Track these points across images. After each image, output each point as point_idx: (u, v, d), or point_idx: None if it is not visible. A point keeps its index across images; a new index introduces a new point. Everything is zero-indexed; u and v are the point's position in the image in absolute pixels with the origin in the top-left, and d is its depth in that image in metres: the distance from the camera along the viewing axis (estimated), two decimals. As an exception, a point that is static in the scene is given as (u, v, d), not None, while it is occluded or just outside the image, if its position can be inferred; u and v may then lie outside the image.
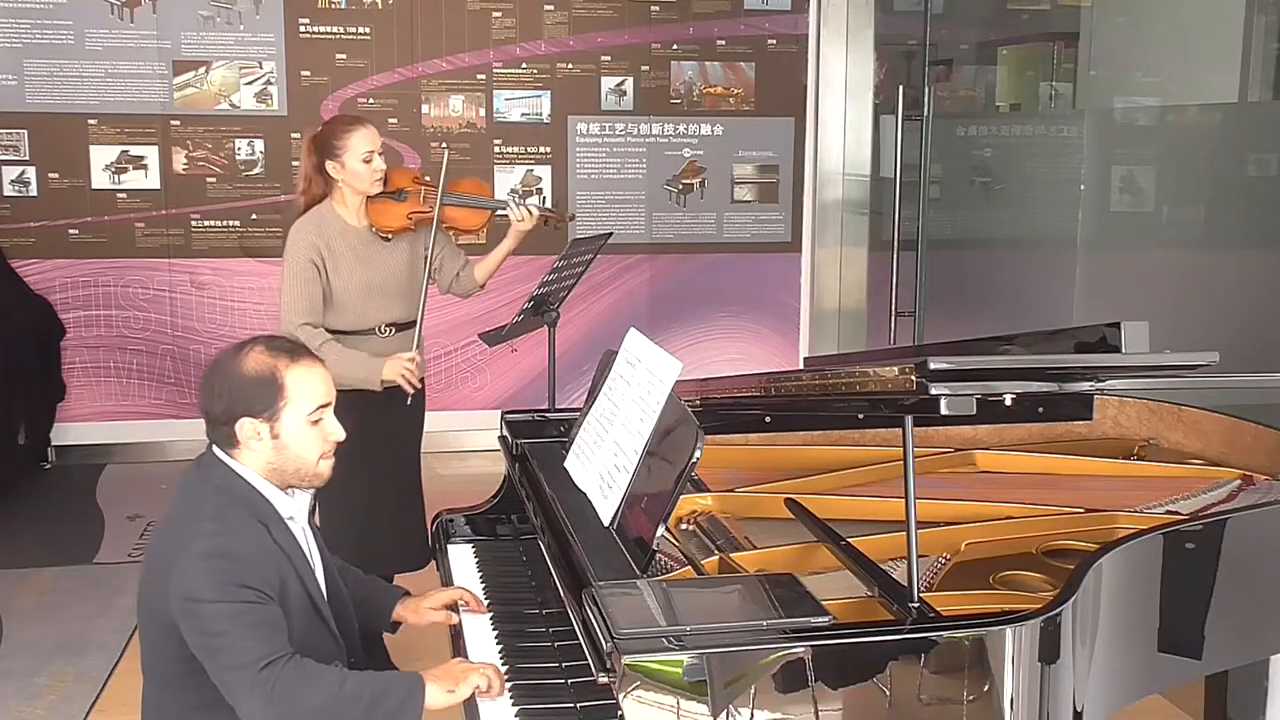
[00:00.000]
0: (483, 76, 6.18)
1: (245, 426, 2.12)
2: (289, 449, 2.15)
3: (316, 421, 2.16)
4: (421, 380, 3.57)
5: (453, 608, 2.42)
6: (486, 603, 2.47)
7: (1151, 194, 4.80)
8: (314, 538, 2.29)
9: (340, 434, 2.21)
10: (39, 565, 4.66)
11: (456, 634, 2.39)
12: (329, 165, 3.40)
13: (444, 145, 4.03)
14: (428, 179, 3.61)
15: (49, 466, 5.94)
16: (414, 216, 3.51)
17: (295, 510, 2.22)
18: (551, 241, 4.65)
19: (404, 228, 3.51)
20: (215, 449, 2.18)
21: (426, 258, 3.53)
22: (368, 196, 3.45)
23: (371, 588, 2.50)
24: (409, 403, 3.43)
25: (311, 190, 3.45)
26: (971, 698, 1.79)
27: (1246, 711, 2.64)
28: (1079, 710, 1.93)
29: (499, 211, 3.69)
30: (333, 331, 3.39)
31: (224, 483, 2.15)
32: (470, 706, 2.06)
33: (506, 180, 6.23)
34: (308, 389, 2.15)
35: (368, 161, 3.38)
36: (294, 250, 3.38)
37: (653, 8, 6.30)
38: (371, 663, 2.32)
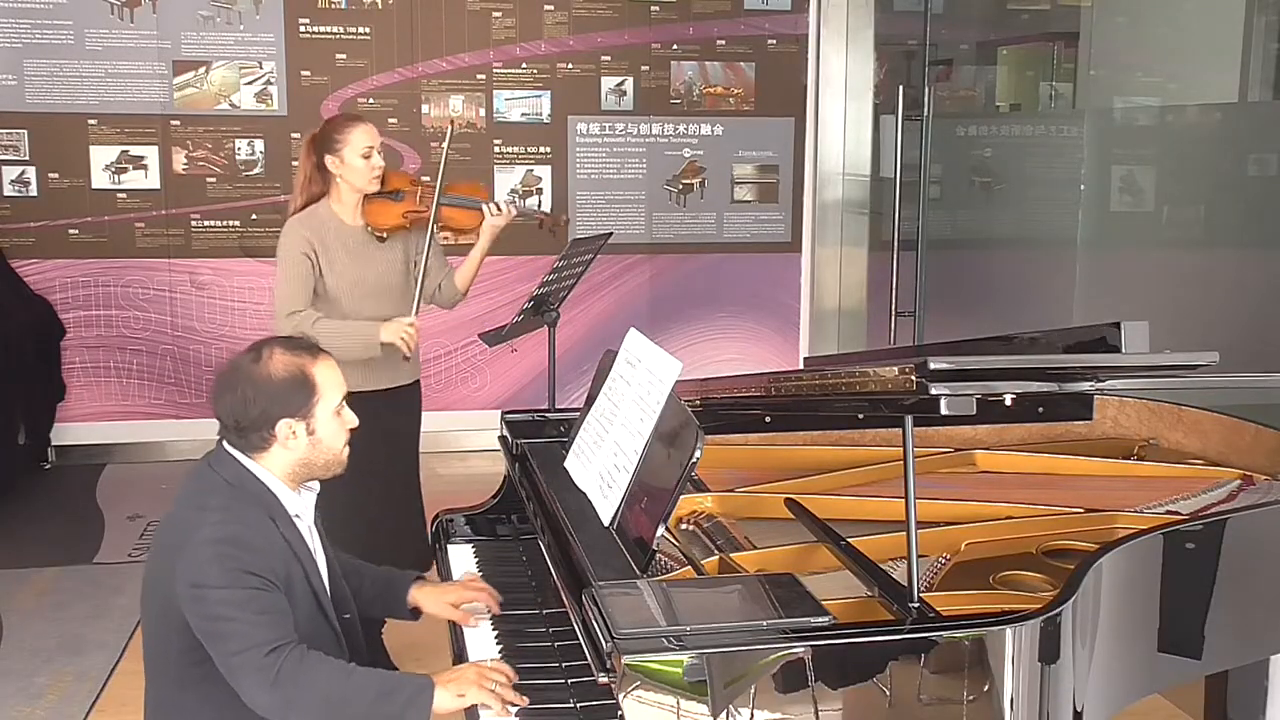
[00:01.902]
0: (483, 76, 6.19)
1: (283, 428, 2.15)
2: (323, 443, 2.20)
3: (339, 412, 2.22)
4: (418, 381, 3.58)
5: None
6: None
7: (1151, 194, 4.79)
8: (319, 536, 2.30)
9: (355, 420, 2.26)
10: (39, 565, 4.66)
11: (457, 633, 2.39)
12: (328, 160, 3.41)
13: (449, 127, 3.94)
14: (425, 179, 3.62)
15: (49, 466, 5.93)
16: (409, 216, 3.51)
17: (302, 509, 2.24)
18: (551, 242, 4.64)
19: (399, 226, 3.51)
20: (229, 448, 2.19)
21: (417, 261, 3.54)
22: (364, 196, 3.46)
23: (388, 577, 2.50)
24: (404, 359, 3.44)
25: (310, 189, 3.46)
26: (971, 698, 1.79)
27: (1246, 711, 2.64)
28: (1079, 710, 1.93)
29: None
30: None
31: (234, 478, 2.17)
32: (470, 706, 2.05)
33: (507, 180, 6.24)
34: (334, 382, 2.21)
35: (366, 157, 3.40)
36: (287, 244, 3.39)
37: (653, 8, 6.30)
38: (374, 664, 2.31)
